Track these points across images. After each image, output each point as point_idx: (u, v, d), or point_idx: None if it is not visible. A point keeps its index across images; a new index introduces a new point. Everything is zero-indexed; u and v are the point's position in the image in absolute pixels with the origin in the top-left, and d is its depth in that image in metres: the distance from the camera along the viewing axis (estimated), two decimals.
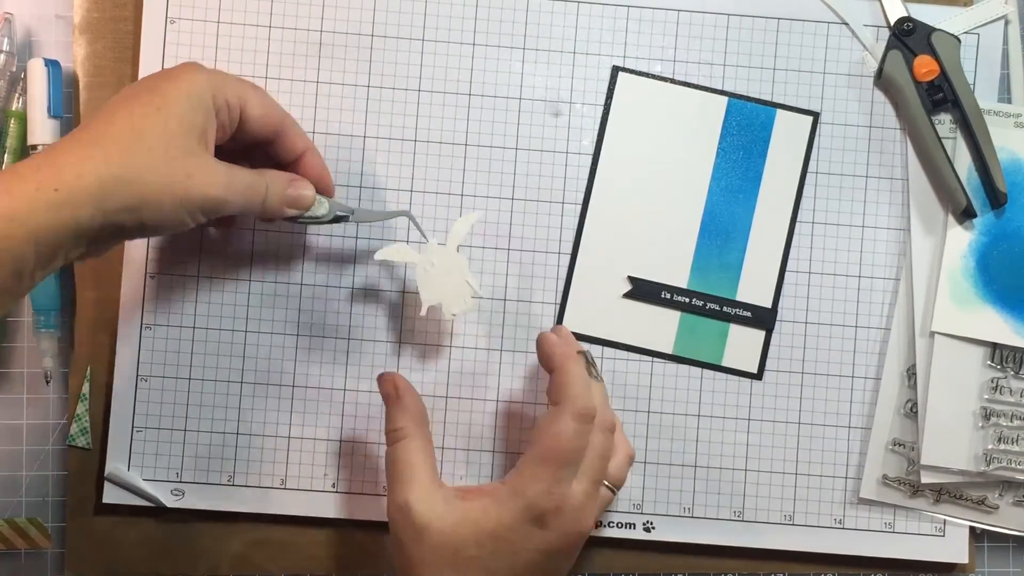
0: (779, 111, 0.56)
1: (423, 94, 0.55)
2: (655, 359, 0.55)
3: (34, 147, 0.53)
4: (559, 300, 0.55)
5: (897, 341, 0.56)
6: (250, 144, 0.48)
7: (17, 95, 0.54)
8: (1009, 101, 0.57)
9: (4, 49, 0.54)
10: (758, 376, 0.56)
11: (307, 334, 0.55)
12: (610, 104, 0.56)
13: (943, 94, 0.55)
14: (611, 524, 0.55)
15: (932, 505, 0.55)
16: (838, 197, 0.56)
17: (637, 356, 0.55)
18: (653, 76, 0.56)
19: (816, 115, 0.56)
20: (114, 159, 0.40)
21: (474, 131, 0.55)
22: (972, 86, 0.56)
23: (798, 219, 0.56)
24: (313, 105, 0.55)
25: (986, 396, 0.55)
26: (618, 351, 0.55)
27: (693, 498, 0.55)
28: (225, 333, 0.54)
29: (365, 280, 0.55)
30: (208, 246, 0.54)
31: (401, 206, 0.55)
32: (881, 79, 0.56)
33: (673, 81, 0.56)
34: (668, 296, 0.55)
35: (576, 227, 0.55)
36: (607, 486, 0.47)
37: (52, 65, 0.54)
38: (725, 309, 0.55)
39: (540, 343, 0.48)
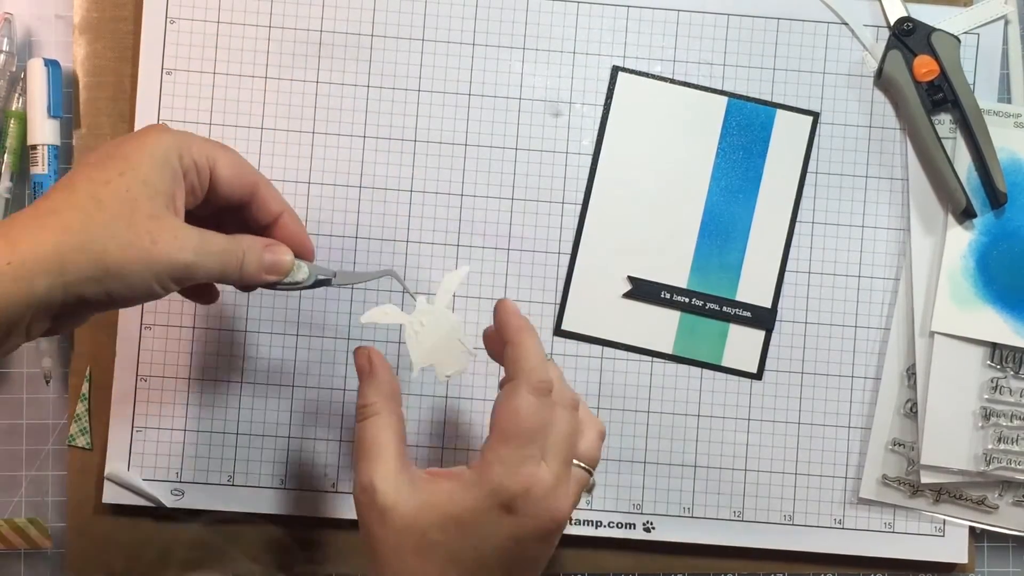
0: (779, 111, 0.56)
1: (423, 94, 0.55)
2: (655, 359, 0.56)
3: (34, 147, 0.54)
4: (559, 300, 0.55)
5: (897, 341, 0.56)
6: (223, 208, 0.45)
7: (17, 95, 0.54)
8: (1009, 101, 0.57)
9: (4, 49, 0.54)
10: (758, 376, 0.56)
11: (307, 334, 0.55)
12: (610, 104, 0.56)
13: (943, 94, 0.55)
14: (611, 524, 0.55)
15: (932, 505, 0.56)
16: (838, 197, 0.56)
17: (637, 356, 0.55)
18: (653, 76, 0.56)
19: (816, 115, 0.56)
20: (74, 228, 0.38)
21: (474, 131, 0.55)
22: (972, 86, 0.56)
23: (798, 219, 0.56)
24: (313, 105, 0.55)
25: (986, 396, 0.55)
26: (618, 351, 0.55)
27: (693, 498, 0.55)
28: (225, 333, 0.55)
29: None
30: None
31: (401, 201, 0.55)
32: (881, 79, 0.56)
33: (673, 81, 0.56)
34: (668, 296, 0.55)
35: (576, 227, 0.55)
36: (581, 466, 0.45)
37: (52, 65, 0.54)
38: (725, 309, 0.55)
39: (497, 309, 0.46)
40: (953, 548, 0.56)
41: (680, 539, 0.55)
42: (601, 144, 0.56)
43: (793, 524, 0.55)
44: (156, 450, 0.54)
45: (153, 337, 0.54)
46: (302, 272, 0.46)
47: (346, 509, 0.55)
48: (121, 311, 0.54)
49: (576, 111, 0.56)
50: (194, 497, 0.54)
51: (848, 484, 0.56)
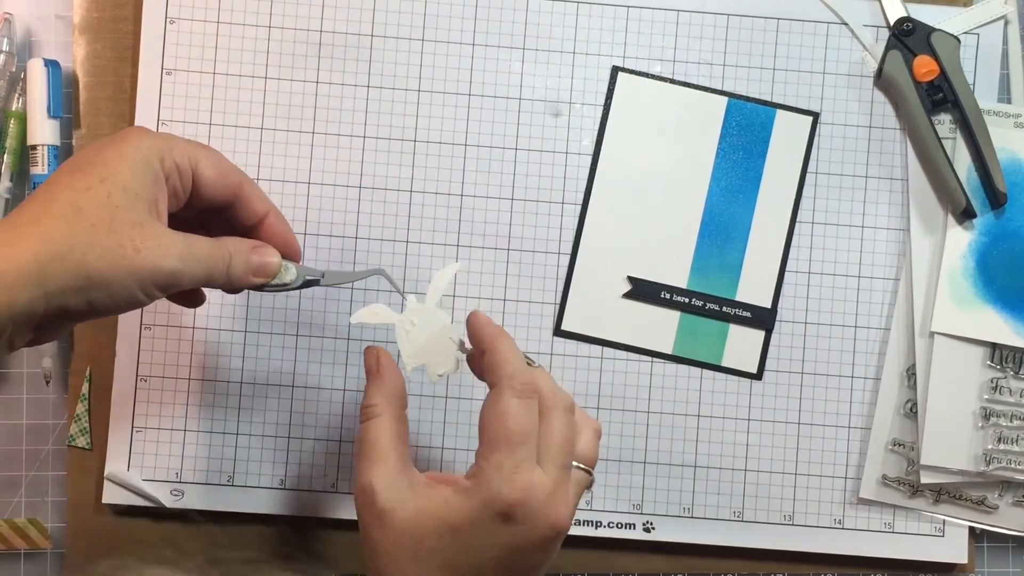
0: (779, 111, 0.56)
1: (423, 94, 0.55)
2: (655, 359, 0.56)
3: (34, 147, 0.54)
4: (559, 300, 0.55)
5: (897, 341, 0.56)
6: (207, 209, 0.44)
7: (17, 95, 0.54)
8: (1009, 101, 0.57)
9: (4, 49, 0.54)
10: (758, 376, 0.56)
11: (307, 334, 0.55)
12: (610, 104, 0.56)
13: (943, 94, 0.55)
14: (611, 524, 0.55)
15: (932, 505, 0.56)
16: (838, 197, 0.56)
17: (637, 356, 0.55)
18: (653, 76, 0.56)
19: (816, 115, 0.56)
20: (54, 237, 0.37)
21: (474, 131, 0.55)
22: (972, 86, 0.56)
23: (798, 219, 0.56)
24: (313, 105, 0.55)
25: (986, 396, 0.55)
26: (618, 351, 0.55)
27: (693, 498, 0.55)
28: (225, 333, 0.55)
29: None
30: None
31: (401, 202, 0.55)
32: (881, 79, 0.56)
33: (673, 81, 0.56)
34: (668, 296, 0.55)
35: (576, 227, 0.55)
36: (580, 467, 0.44)
37: (52, 65, 0.54)
38: (725, 309, 0.55)
39: (469, 320, 0.45)
40: (953, 548, 0.56)
41: (680, 539, 0.55)
42: (601, 144, 0.56)
43: (793, 524, 0.55)
44: (156, 450, 0.54)
45: (153, 337, 0.54)
46: (290, 273, 0.45)
47: (346, 509, 0.55)
48: None
49: (576, 111, 0.56)
50: (194, 497, 0.54)
51: (848, 484, 0.56)
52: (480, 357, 0.44)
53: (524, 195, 0.55)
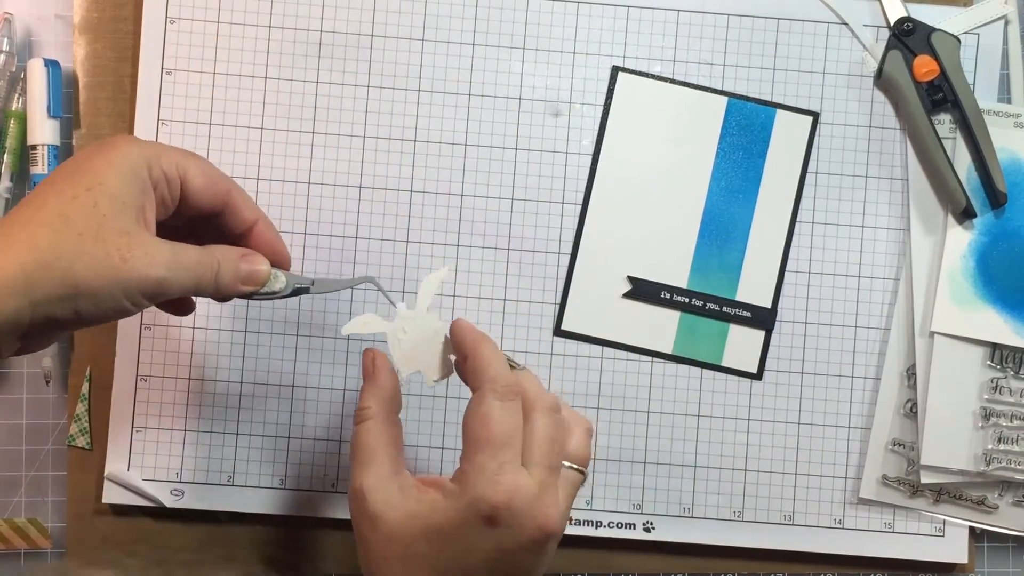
0: (779, 111, 0.56)
1: (423, 94, 0.55)
2: (655, 359, 0.56)
3: (34, 147, 0.54)
4: (559, 300, 0.55)
5: (897, 341, 0.56)
6: (196, 218, 0.44)
7: (17, 95, 0.54)
8: (1009, 101, 0.57)
9: (4, 49, 0.54)
10: (758, 376, 0.56)
11: (307, 334, 0.55)
12: (610, 104, 0.56)
13: (943, 94, 0.55)
14: (611, 524, 0.55)
15: (932, 505, 0.56)
16: (838, 197, 0.56)
17: (637, 356, 0.55)
18: (653, 76, 0.56)
19: (816, 115, 0.56)
20: (40, 246, 0.37)
21: (474, 131, 0.55)
22: (972, 86, 0.56)
23: (798, 219, 0.56)
24: (313, 105, 0.55)
25: (986, 396, 0.55)
26: (618, 351, 0.55)
27: (693, 498, 0.55)
28: (225, 333, 0.55)
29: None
30: None
31: (401, 201, 0.55)
32: (881, 79, 0.56)
33: (673, 81, 0.56)
34: (668, 296, 0.55)
35: (576, 227, 0.55)
36: (573, 467, 0.44)
37: (52, 65, 0.54)
38: (725, 309, 0.55)
39: (452, 328, 0.45)
40: (953, 548, 0.56)
41: (680, 539, 0.55)
42: (601, 144, 0.56)
43: (793, 524, 0.55)
44: (156, 450, 0.54)
45: (153, 337, 0.54)
46: (279, 282, 0.45)
47: (345, 509, 0.54)
48: None
49: (576, 111, 0.56)
50: (194, 497, 0.54)
51: (848, 484, 0.56)
52: (463, 363, 0.44)
53: (524, 195, 0.55)
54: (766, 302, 0.56)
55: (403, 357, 0.46)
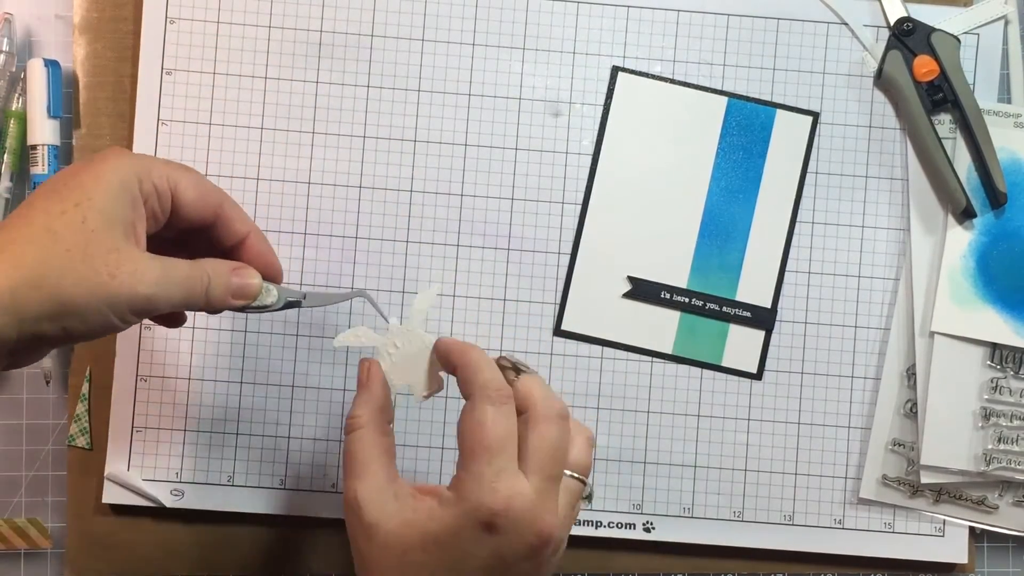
0: (779, 111, 0.56)
1: (423, 94, 0.55)
2: (655, 359, 0.56)
3: (34, 147, 0.54)
4: (559, 300, 0.55)
5: (897, 341, 0.56)
6: (187, 230, 0.44)
7: (17, 95, 0.54)
8: (1009, 101, 0.57)
9: (4, 49, 0.54)
10: (758, 376, 0.56)
11: (307, 334, 0.55)
12: (610, 104, 0.56)
13: (943, 94, 0.55)
14: (611, 524, 0.55)
15: (932, 505, 0.56)
16: (838, 197, 0.56)
17: (637, 356, 0.55)
18: (653, 76, 0.56)
19: (816, 115, 0.56)
20: (27, 263, 0.36)
21: (474, 131, 0.55)
22: (972, 86, 0.56)
23: (798, 219, 0.56)
24: (313, 105, 0.55)
25: (986, 396, 0.55)
26: (618, 351, 0.55)
27: (693, 498, 0.55)
28: (225, 333, 0.55)
29: (365, 279, 0.55)
30: None
31: (401, 202, 0.55)
32: (881, 79, 0.56)
33: (673, 81, 0.56)
34: (668, 296, 0.55)
35: (576, 227, 0.55)
36: (574, 476, 0.43)
37: (52, 65, 0.54)
38: (725, 309, 0.55)
39: (435, 348, 0.45)
40: (953, 548, 0.56)
41: (680, 539, 0.55)
42: (601, 144, 0.56)
43: (793, 524, 0.55)
44: (156, 450, 0.54)
45: (153, 337, 0.54)
46: (271, 295, 0.45)
47: None
48: None
49: (576, 111, 0.56)
50: (194, 497, 0.54)
51: (848, 484, 0.56)
52: (454, 375, 0.44)
53: (524, 195, 0.55)
54: (766, 302, 0.56)
55: (394, 371, 0.46)
